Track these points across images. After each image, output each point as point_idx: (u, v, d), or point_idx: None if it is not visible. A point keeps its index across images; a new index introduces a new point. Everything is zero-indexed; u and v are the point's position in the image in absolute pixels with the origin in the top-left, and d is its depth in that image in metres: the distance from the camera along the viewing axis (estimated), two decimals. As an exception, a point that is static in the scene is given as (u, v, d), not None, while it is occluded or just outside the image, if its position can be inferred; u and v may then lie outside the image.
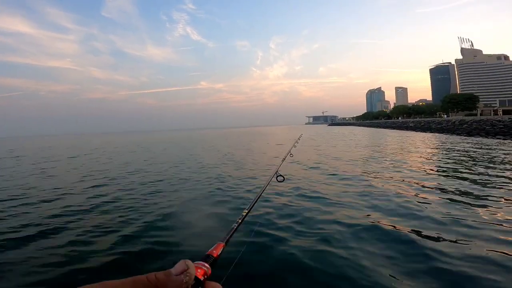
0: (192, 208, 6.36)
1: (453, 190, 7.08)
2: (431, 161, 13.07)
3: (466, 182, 7.92)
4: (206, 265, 0.54)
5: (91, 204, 6.82)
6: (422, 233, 4.40)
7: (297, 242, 4.25)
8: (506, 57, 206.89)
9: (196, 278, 0.48)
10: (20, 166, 16.05)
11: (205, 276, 0.51)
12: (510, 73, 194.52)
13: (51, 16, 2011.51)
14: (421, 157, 14.35)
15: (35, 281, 3.43)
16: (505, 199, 6.13)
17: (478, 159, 12.56)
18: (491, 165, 10.71)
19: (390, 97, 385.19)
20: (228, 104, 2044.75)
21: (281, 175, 1.91)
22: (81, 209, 6.44)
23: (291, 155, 3.49)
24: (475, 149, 16.60)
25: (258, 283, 3.32)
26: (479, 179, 8.21)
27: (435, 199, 6.34)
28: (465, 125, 39.37)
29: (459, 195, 6.62)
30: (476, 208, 5.57)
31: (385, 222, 4.94)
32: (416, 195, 6.74)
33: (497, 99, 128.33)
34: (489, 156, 13.22)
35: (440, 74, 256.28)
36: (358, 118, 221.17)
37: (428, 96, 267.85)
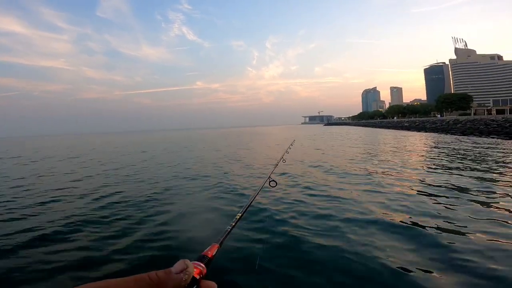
0: (193, 207, 6.51)
1: (451, 185, 7.51)
2: (429, 158, 13.50)
3: (463, 178, 8.35)
4: (202, 264, 0.56)
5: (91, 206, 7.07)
6: (448, 228, 4.64)
7: (292, 242, 4.39)
8: (499, 57, 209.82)
9: (192, 277, 0.50)
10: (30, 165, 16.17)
11: (201, 275, 0.53)
12: (503, 73, 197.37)
13: (45, 16, 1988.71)
14: (419, 155, 14.84)
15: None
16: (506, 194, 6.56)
17: (471, 156, 13.08)
18: (487, 163, 11.22)
19: (385, 97, 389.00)
20: (224, 104, 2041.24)
21: (274, 180, 1.96)
22: (82, 211, 6.46)
23: (283, 161, 3.63)
24: (471, 148, 17.17)
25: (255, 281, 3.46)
26: (474, 175, 8.65)
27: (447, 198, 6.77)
28: (459, 124, 40.12)
29: (458, 190, 7.03)
30: (471, 201, 6.00)
31: (389, 216, 5.35)
32: (432, 194, 6.90)
33: (491, 99, 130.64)
34: (485, 154, 13.75)
35: (434, 74, 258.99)
36: (353, 118, 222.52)
37: (423, 96, 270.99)
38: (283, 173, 9.81)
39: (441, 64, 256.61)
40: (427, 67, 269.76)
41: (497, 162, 11.22)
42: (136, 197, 7.49)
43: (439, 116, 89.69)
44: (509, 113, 65.21)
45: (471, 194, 6.71)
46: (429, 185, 7.83)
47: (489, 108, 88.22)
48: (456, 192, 6.92)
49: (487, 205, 5.80)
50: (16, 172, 13.43)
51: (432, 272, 3.38)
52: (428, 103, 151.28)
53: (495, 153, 14.18)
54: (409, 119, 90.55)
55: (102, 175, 11.52)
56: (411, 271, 3.40)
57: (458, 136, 29.83)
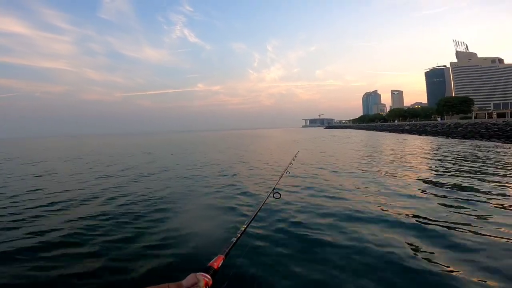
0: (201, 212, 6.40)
1: (456, 186, 7.57)
2: (432, 161, 13.53)
3: (468, 180, 8.39)
4: (208, 276, 0.56)
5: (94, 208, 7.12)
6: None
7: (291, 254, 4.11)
8: (500, 60, 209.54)
9: None
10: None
11: (207, 287, 0.53)
12: (505, 76, 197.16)
13: (46, 17, 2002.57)
14: (421, 158, 14.87)
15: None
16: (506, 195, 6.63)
17: (472, 158, 13.12)
18: (489, 165, 11.28)
19: (386, 100, 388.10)
20: (225, 107, 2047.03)
21: (278, 192, 1.99)
22: (85, 216, 6.25)
23: (287, 173, 3.65)
24: (472, 151, 17.19)
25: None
26: (475, 177, 8.70)
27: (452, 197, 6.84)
28: (460, 128, 40.08)
29: (461, 190, 7.08)
30: (471, 201, 6.06)
31: (393, 210, 5.43)
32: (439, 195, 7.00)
33: (492, 102, 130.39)
34: (487, 157, 13.79)
35: (435, 77, 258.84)
36: (354, 121, 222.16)
37: (424, 99, 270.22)
38: (286, 185, 9.51)
39: (442, 67, 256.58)
40: (428, 70, 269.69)
41: (499, 165, 11.30)
42: (142, 201, 7.39)
43: (440, 119, 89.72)
44: (510, 117, 65.24)
45: (476, 195, 6.78)
46: (435, 186, 7.94)
47: (490, 111, 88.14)
48: (462, 193, 7.02)
49: (500, 206, 5.88)
50: (19, 172, 13.53)
51: (452, 272, 3.41)
52: (429, 106, 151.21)
53: (496, 156, 14.23)
54: (410, 122, 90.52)
55: (111, 177, 11.55)
56: (431, 270, 3.44)
57: (459, 140, 29.87)
